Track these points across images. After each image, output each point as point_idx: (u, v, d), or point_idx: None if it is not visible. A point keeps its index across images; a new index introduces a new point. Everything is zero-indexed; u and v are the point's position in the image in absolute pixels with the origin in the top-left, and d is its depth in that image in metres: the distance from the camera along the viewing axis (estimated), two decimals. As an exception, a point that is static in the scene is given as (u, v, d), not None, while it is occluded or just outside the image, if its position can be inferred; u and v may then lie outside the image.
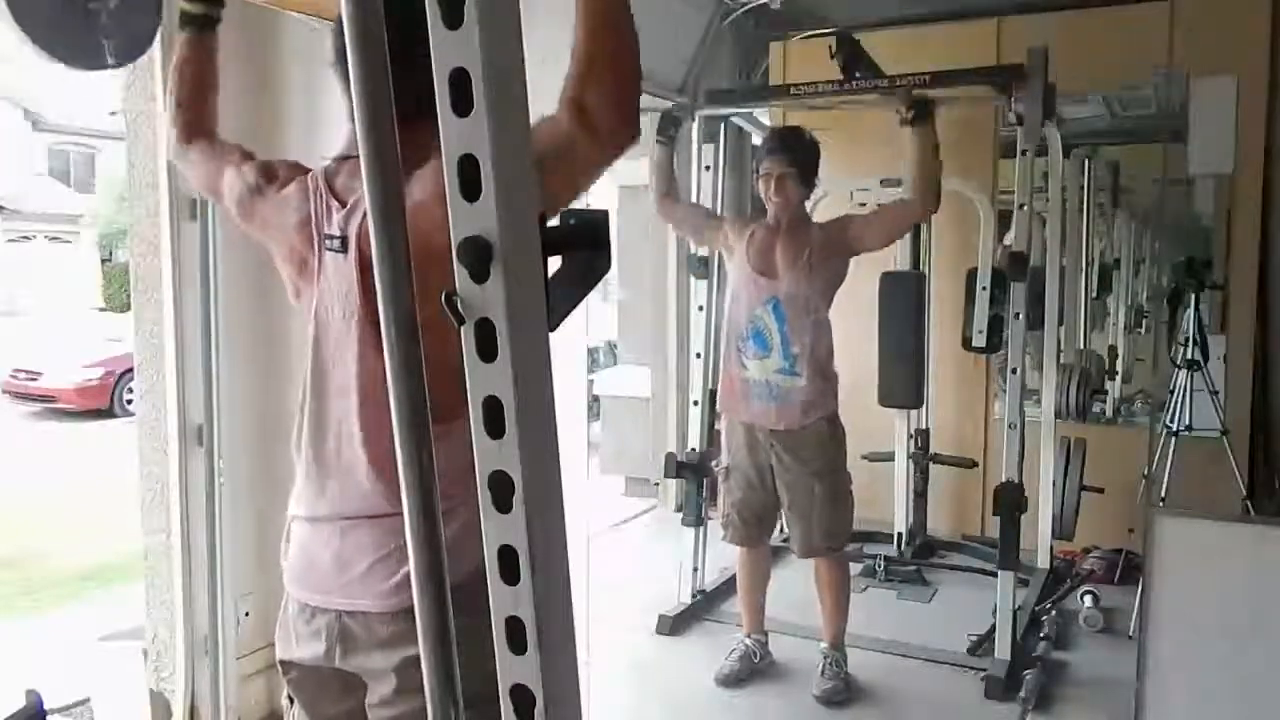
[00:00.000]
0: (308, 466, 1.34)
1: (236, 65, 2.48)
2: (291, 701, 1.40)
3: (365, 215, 1.24)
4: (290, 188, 1.36)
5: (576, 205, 1.18)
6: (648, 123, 3.24)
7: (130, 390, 7.52)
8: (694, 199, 3.72)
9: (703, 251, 3.60)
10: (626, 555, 4.37)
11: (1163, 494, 3.35)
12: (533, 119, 0.81)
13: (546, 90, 1.09)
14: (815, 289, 2.88)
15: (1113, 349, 4.86)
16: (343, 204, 1.30)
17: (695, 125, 3.83)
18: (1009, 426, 3.22)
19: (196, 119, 1.52)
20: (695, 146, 3.89)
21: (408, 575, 1.20)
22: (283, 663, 1.37)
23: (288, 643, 1.36)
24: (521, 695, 0.81)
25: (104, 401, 9.09)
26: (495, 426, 0.79)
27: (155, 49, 2.02)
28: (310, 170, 1.38)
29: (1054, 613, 3.46)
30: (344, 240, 1.28)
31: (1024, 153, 3.11)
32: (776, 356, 2.89)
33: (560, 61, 1.11)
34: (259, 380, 2.63)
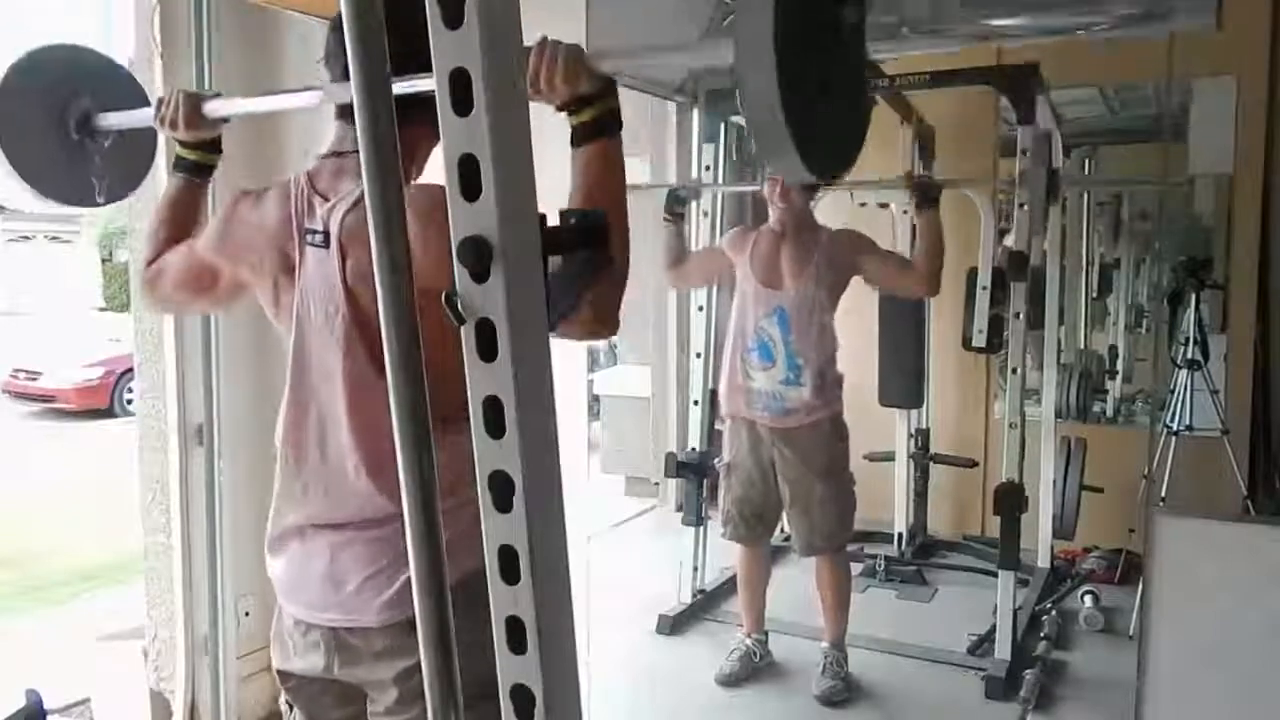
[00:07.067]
0: (290, 470, 1.31)
1: (237, 63, 2.50)
2: (291, 707, 1.40)
3: (347, 210, 1.23)
4: (269, 192, 1.33)
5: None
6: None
7: (130, 390, 7.50)
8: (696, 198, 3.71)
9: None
10: (626, 555, 4.36)
11: (1163, 494, 3.34)
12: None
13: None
14: (821, 296, 2.88)
15: (1113, 349, 4.85)
16: (325, 199, 1.27)
17: (696, 124, 3.81)
18: (1009, 426, 3.22)
19: (175, 243, 1.48)
20: (695, 147, 3.88)
21: (400, 589, 1.21)
22: (280, 672, 1.37)
23: (285, 654, 1.35)
24: (521, 695, 0.81)
25: (104, 401, 9.07)
26: (495, 426, 0.79)
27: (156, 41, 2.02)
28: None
29: (1054, 613, 3.46)
30: (326, 235, 1.25)
31: (1024, 152, 3.10)
32: (781, 367, 2.88)
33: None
34: (259, 380, 2.62)
